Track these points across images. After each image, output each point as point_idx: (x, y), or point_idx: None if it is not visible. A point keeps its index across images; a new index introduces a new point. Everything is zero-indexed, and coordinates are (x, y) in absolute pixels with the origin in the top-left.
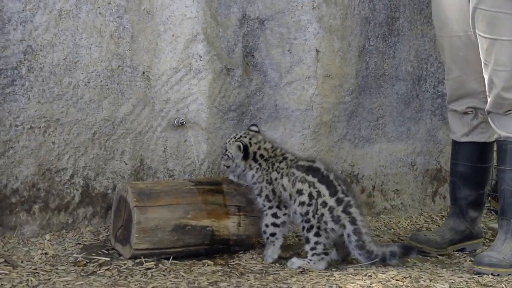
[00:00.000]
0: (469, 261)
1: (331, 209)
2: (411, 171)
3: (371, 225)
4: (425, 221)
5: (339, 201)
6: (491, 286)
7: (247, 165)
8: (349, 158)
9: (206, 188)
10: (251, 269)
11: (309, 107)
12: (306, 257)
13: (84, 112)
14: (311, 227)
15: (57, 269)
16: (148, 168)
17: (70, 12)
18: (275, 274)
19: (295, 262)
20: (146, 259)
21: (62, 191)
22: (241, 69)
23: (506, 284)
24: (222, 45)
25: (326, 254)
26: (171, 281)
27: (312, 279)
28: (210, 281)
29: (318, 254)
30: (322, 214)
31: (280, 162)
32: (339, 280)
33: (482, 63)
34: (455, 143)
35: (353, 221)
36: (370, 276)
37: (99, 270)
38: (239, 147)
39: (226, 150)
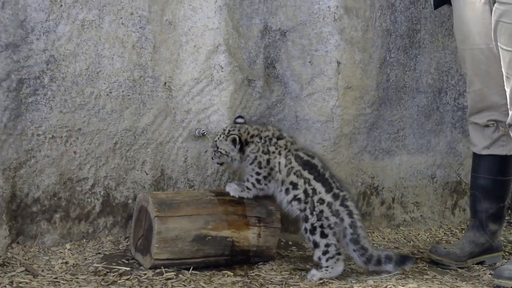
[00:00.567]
0: (489, 274)
1: (329, 205)
2: (431, 184)
3: (390, 237)
4: (444, 233)
5: (335, 196)
6: None
7: (243, 154)
8: (369, 170)
9: (226, 198)
10: (271, 280)
11: (329, 119)
12: (321, 266)
13: (106, 122)
14: (314, 228)
15: (77, 278)
16: (168, 178)
17: (93, 23)
18: (295, 285)
19: (316, 274)
20: (166, 269)
21: (83, 201)
22: (262, 80)
23: None
24: (244, 56)
25: (339, 254)
26: None
27: None
28: None
29: (332, 257)
30: (322, 211)
31: (278, 138)
32: None
33: (504, 76)
34: (476, 156)
35: (350, 214)
36: None
37: (119, 279)
38: (233, 140)
39: (218, 148)
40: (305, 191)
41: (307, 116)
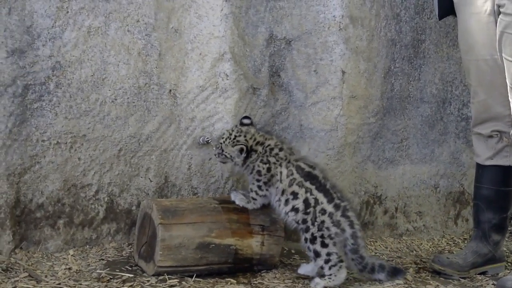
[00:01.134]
0: (492, 284)
1: (330, 215)
2: (434, 193)
3: (393, 246)
4: (447, 243)
5: (336, 207)
6: None
7: (247, 160)
8: (372, 179)
9: (230, 206)
10: None
11: (333, 128)
12: (324, 273)
13: (111, 128)
14: (314, 238)
15: (80, 284)
16: (172, 185)
17: (99, 29)
18: None
19: (319, 282)
20: (169, 276)
21: (86, 207)
22: (267, 88)
23: None
24: (249, 65)
25: (341, 261)
26: None
27: None
28: None
29: (335, 265)
30: (323, 221)
31: (280, 150)
32: None
33: (508, 87)
34: (479, 166)
35: (351, 225)
36: None
37: (123, 286)
38: (241, 150)
39: (223, 151)
40: (305, 201)
41: (311, 125)
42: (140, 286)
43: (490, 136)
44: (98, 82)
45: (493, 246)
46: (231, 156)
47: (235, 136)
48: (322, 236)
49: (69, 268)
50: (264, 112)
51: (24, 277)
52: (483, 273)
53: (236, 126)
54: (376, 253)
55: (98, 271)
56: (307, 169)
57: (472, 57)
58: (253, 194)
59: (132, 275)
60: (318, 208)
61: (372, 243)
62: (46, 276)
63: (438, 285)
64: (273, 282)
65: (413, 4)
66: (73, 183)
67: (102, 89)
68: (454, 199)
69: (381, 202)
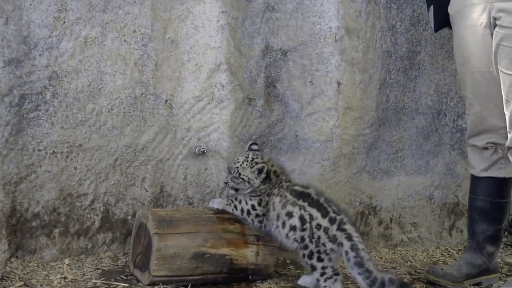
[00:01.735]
0: None
1: (326, 230)
2: (428, 204)
3: (388, 257)
4: (441, 254)
5: (332, 221)
6: None
7: (262, 184)
8: (367, 190)
9: (225, 216)
10: None
11: (329, 139)
12: (319, 285)
13: (107, 138)
14: (311, 253)
15: None
16: (168, 195)
17: (96, 39)
18: None
19: None
20: (164, 286)
21: (82, 216)
22: (262, 99)
23: None
24: (245, 75)
25: (337, 274)
26: None
27: None
28: None
29: (330, 277)
30: (319, 237)
31: (287, 181)
32: None
33: (504, 100)
34: (474, 178)
35: (349, 238)
36: None
37: None
38: (260, 171)
39: (240, 175)
40: (300, 217)
41: (307, 135)
42: None
43: (485, 148)
44: (95, 92)
45: (488, 258)
46: (249, 179)
47: (253, 158)
48: (318, 252)
49: (65, 277)
50: (260, 122)
51: (19, 286)
52: (478, 284)
53: (248, 151)
54: None
55: (93, 280)
56: (300, 189)
57: (467, 69)
58: (238, 206)
59: (127, 285)
60: (314, 223)
61: None
62: (41, 285)
63: None
64: None
65: (408, 16)
66: (69, 192)
67: (98, 99)
68: (448, 210)
69: (376, 213)
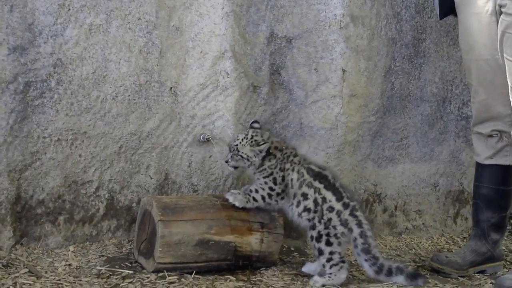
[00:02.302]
0: (490, 283)
1: (338, 213)
2: (433, 192)
3: (392, 244)
4: (446, 242)
5: (345, 205)
6: None
7: (264, 161)
8: (372, 178)
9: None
10: (273, 285)
11: (334, 126)
12: (324, 272)
13: (111, 125)
14: (320, 236)
15: (80, 280)
16: (172, 182)
17: (100, 27)
18: None
19: (318, 280)
20: (169, 273)
21: (87, 203)
22: (267, 86)
23: None
24: (250, 63)
25: (343, 262)
26: None
27: None
28: None
29: (336, 264)
30: (330, 219)
31: (295, 156)
32: None
33: (509, 87)
34: (479, 166)
35: (359, 224)
36: None
37: (122, 282)
38: (261, 149)
39: (239, 152)
40: (314, 201)
41: (312, 123)
42: (139, 283)
43: (490, 136)
44: (99, 79)
45: (492, 245)
46: (248, 156)
47: (252, 135)
48: (328, 235)
49: (69, 264)
50: (265, 110)
51: (24, 273)
52: (482, 271)
53: (249, 128)
54: None
55: (98, 267)
56: (317, 169)
57: (473, 57)
58: (257, 196)
59: (131, 272)
60: (325, 206)
61: None
62: (46, 272)
63: (436, 284)
64: (272, 280)
65: (413, 3)
66: (73, 179)
67: (103, 86)
68: (453, 198)
69: (380, 200)
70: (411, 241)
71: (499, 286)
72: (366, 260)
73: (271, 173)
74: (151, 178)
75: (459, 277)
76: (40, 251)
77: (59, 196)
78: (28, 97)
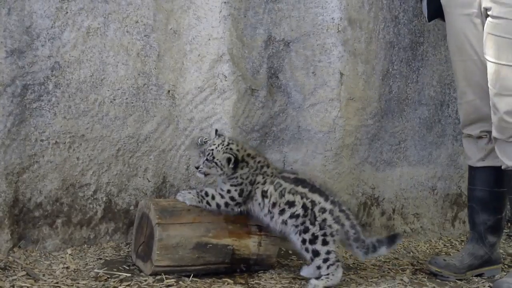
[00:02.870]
0: (488, 286)
1: (331, 212)
2: (431, 195)
3: None
4: (444, 245)
5: (333, 203)
6: None
7: (237, 168)
8: (370, 181)
9: None
10: None
11: (331, 129)
12: (320, 274)
13: (109, 128)
14: (315, 237)
15: (78, 283)
16: (170, 185)
17: (98, 30)
18: None
19: (318, 284)
20: (166, 276)
21: (85, 206)
22: (265, 90)
23: None
24: (247, 66)
25: (338, 261)
26: None
27: None
28: None
29: (332, 264)
30: (324, 220)
31: (268, 166)
32: None
33: (489, 88)
34: (472, 169)
35: (347, 217)
36: None
37: (120, 285)
38: (229, 160)
39: (214, 158)
40: (303, 206)
41: (309, 126)
42: (137, 286)
43: (480, 137)
44: (97, 82)
45: (489, 248)
46: (222, 164)
47: (229, 143)
48: (324, 235)
49: (67, 267)
50: (262, 113)
51: (22, 275)
52: (480, 275)
53: (220, 136)
54: None
55: (95, 270)
56: (292, 176)
57: (460, 58)
58: (212, 202)
59: (129, 275)
60: (317, 208)
61: None
62: (44, 275)
63: (434, 287)
64: (270, 283)
65: (411, 6)
66: (71, 182)
67: (101, 89)
68: (451, 201)
69: (378, 203)
70: (409, 244)
71: None
72: (357, 247)
73: (240, 183)
74: (149, 181)
75: (457, 281)
76: (38, 254)
77: (57, 199)
78: (25, 100)
